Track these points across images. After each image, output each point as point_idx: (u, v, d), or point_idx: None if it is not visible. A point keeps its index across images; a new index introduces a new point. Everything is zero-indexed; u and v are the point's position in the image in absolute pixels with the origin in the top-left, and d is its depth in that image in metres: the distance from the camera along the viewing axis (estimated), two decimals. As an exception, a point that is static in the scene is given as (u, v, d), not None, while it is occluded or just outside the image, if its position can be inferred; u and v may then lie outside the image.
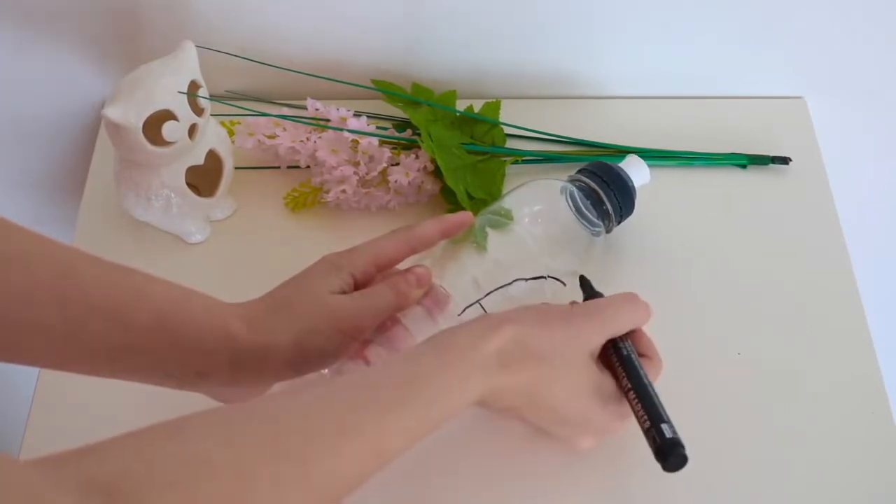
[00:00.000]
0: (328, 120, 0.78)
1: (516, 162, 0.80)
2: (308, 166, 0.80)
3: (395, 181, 0.76)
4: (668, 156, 0.81)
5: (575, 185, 0.69)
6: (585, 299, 0.64)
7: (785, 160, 0.81)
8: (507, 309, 0.56)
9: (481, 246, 0.64)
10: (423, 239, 0.62)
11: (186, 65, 0.69)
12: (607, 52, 0.84)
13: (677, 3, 0.79)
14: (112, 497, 0.36)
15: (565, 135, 0.83)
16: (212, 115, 0.73)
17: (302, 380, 0.57)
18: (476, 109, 0.82)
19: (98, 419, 0.65)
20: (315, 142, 0.78)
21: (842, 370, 0.70)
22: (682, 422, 0.67)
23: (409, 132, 0.81)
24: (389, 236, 0.62)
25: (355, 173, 0.77)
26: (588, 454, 0.63)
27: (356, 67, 0.83)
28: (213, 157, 0.74)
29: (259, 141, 0.79)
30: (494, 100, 0.83)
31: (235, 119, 0.81)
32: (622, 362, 0.58)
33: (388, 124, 0.83)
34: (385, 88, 0.82)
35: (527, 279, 0.64)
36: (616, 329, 0.58)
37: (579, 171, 0.71)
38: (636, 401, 0.56)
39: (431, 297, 0.62)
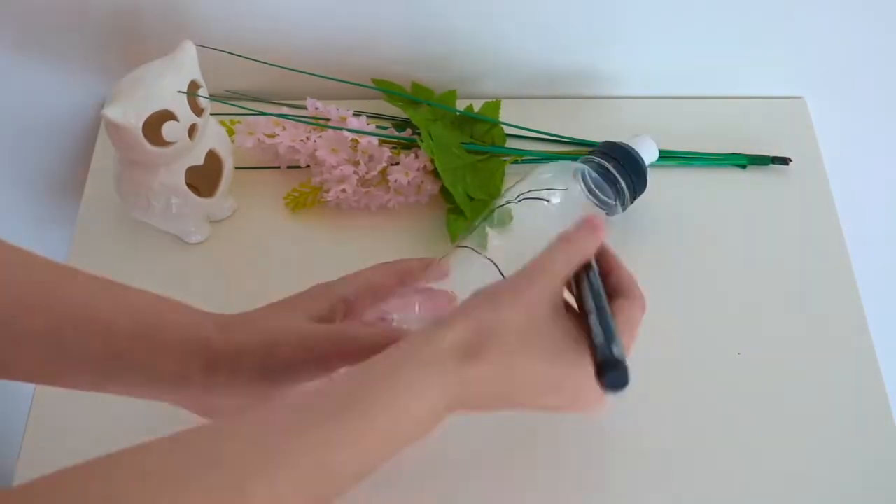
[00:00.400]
0: (328, 119, 0.78)
1: (516, 162, 0.80)
2: (308, 166, 0.80)
3: (395, 180, 0.76)
4: (668, 156, 0.81)
5: (588, 166, 0.71)
6: None
7: (785, 160, 0.81)
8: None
9: (485, 246, 0.64)
10: (410, 272, 0.63)
11: (186, 65, 0.69)
12: (607, 53, 0.84)
13: (677, 4, 0.79)
14: None
15: (565, 135, 0.83)
16: (211, 114, 0.73)
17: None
18: (476, 109, 0.82)
19: (97, 419, 0.65)
20: (315, 141, 0.78)
21: (842, 370, 0.70)
22: (683, 421, 0.68)
23: (408, 132, 0.81)
24: (378, 267, 0.63)
25: (355, 172, 0.77)
26: (590, 454, 0.63)
27: (356, 67, 0.83)
28: (212, 157, 0.74)
29: (259, 140, 0.79)
30: (494, 100, 0.83)
31: (235, 118, 0.81)
32: (577, 289, 0.54)
33: (387, 124, 0.83)
34: (385, 88, 0.83)
35: None
36: (562, 272, 0.53)
37: (590, 153, 0.73)
38: (588, 317, 0.52)
39: (434, 299, 0.62)
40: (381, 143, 0.78)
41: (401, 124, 0.82)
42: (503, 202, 0.68)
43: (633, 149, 0.73)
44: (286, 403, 0.47)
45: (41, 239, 0.95)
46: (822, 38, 0.82)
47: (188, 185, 0.73)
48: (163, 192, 0.72)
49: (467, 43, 0.83)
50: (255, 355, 0.56)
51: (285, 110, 0.80)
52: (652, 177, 0.74)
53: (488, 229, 0.66)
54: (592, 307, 0.52)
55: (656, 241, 0.76)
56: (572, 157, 0.81)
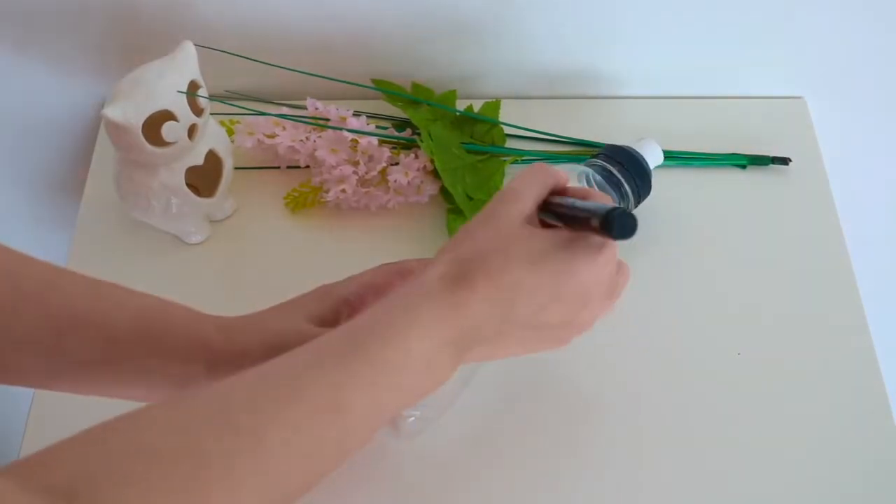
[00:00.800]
0: (328, 119, 0.78)
1: (516, 162, 0.80)
2: (308, 166, 0.80)
3: (395, 181, 0.76)
4: (668, 156, 0.80)
5: (592, 169, 0.71)
6: None
7: (785, 160, 0.81)
8: None
9: None
10: (412, 273, 0.63)
11: (186, 65, 0.69)
12: (607, 53, 0.84)
13: (677, 4, 0.79)
14: (72, 499, 0.37)
15: (565, 135, 0.83)
16: (211, 114, 0.73)
17: None
18: (476, 109, 0.82)
19: (97, 420, 0.65)
20: (315, 141, 0.78)
21: (842, 370, 0.70)
22: (683, 421, 0.68)
23: (408, 132, 0.81)
24: (379, 268, 0.64)
25: (355, 173, 0.77)
26: (590, 454, 0.63)
27: (356, 67, 0.83)
28: (212, 157, 0.74)
29: (259, 140, 0.79)
30: (494, 100, 0.83)
31: (235, 118, 0.81)
32: (550, 206, 0.54)
33: (387, 124, 0.83)
34: (385, 88, 0.83)
35: None
36: (532, 191, 0.53)
37: (594, 157, 0.73)
38: (567, 210, 0.52)
39: None
40: (381, 143, 0.78)
41: (401, 124, 0.82)
42: None
43: (637, 152, 0.73)
44: (284, 363, 0.47)
45: (41, 239, 0.96)
46: (822, 38, 0.82)
47: (188, 185, 0.73)
48: (163, 192, 0.72)
49: (467, 43, 0.83)
50: (256, 357, 0.56)
51: (285, 110, 0.80)
52: (652, 177, 0.74)
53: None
54: (575, 201, 0.52)
55: (656, 241, 0.76)
56: (572, 157, 0.82)
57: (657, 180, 0.74)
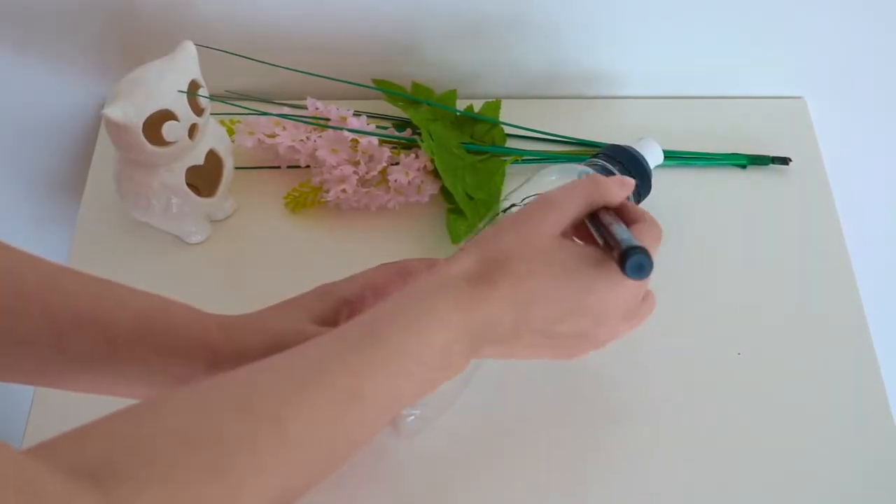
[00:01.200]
0: (328, 119, 0.78)
1: (516, 162, 0.81)
2: (308, 166, 0.80)
3: (395, 180, 0.76)
4: (668, 156, 0.80)
5: (592, 169, 0.71)
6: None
7: (785, 160, 0.81)
8: None
9: None
10: (412, 272, 0.63)
11: (186, 64, 0.69)
12: (607, 53, 0.84)
13: (677, 4, 0.79)
14: (99, 479, 0.37)
15: (565, 135, 0.83)
16: (212, 114, 0.73)
17: None
18: (476, 109, 0.82)
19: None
20: (315, 141, 0.78)
21: (842, 370, 0.70)
22: (683, 421, 0.68)
23: (409, 132, 0.81)
24: (380, 267, 0.64)
25: (355, 172, 0.77)
26: (590, 453, 0.63)
27: (356, 67, 0.83)
28: (213, 156, 0.74)
29: (259, 140, 0.79)
30: (494, 100, 0.83)
31: (235, 118, 0.81)
32: (594, 226, 0.54)
33: (388, 124, 0.83)
34: (385, 88, 0.83)
35: None
36: (574, 207, 0.54)
37: (594, 156, 0.73)
38: (603, 230, 0.52)
39: None
40: (381, 143, 0.78)
41: (401, 124, 0.82)
42: (508, 205, 0.68)
43: (637, 152, 0.73)
44: (304, 351, 0.47)
45: (41, 239, 0.96)
46: (822, 38, 0.82)
47: (188, 185, 0.73)
48: (163, 192, 0.72)
49: (467, 43, 0.83)
50: (256, 356, 0.55)
51: (285, 110, 0.80)
52: (652, 176, 0.74)
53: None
54: (611, 221, 0.53)
55: (656, 241, 0.76)
56: (572, 157, 0.82)
57: (657, 180, 0.74)
